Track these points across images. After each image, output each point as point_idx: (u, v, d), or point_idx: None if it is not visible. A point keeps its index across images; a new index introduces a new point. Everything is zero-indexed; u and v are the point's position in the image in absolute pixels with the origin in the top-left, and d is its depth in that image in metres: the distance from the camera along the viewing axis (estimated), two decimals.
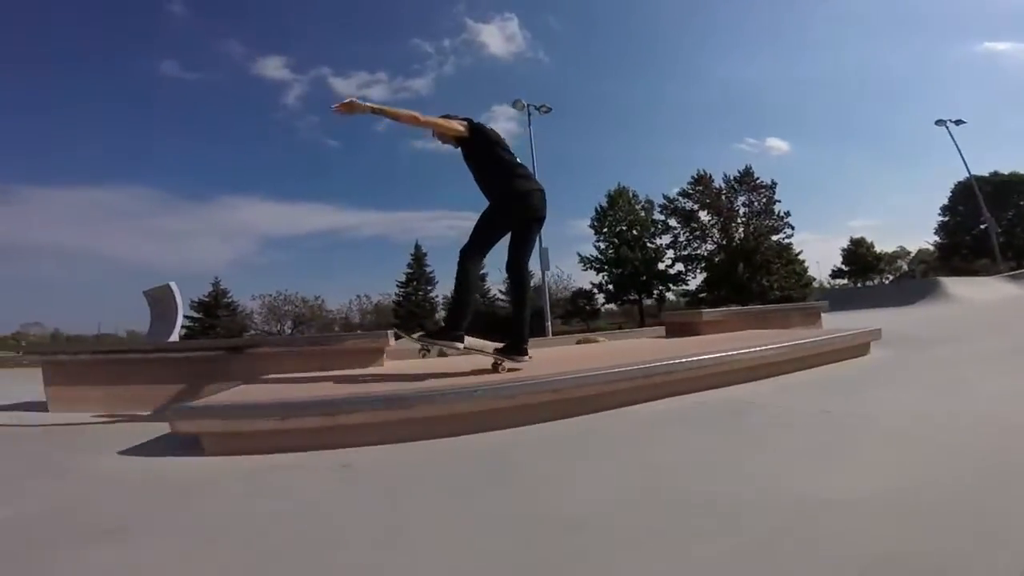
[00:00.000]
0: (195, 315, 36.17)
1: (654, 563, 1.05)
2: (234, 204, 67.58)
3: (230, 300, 39.78)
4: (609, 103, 63.77)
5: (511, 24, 64.88)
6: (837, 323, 5.54)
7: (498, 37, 65.93)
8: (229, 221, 61.54)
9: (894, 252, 47.82)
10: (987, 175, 37.69)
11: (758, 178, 37.85)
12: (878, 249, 45.85)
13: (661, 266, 38.57)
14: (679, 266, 38.89)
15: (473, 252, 2.95)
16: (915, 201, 66.76)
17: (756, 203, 37.68)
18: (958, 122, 27.08)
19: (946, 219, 43.12)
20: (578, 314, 38.85)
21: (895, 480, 1.41)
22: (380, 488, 1.66)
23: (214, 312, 37.91)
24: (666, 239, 39.11)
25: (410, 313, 37.12)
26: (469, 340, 3.01)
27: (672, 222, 38.99)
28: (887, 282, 39.99)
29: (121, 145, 55.48)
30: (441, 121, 2.99)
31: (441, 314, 35.81)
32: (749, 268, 35.82)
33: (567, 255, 49.16)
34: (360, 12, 64.96)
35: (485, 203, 3.05)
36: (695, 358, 2.82)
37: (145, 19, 56.64)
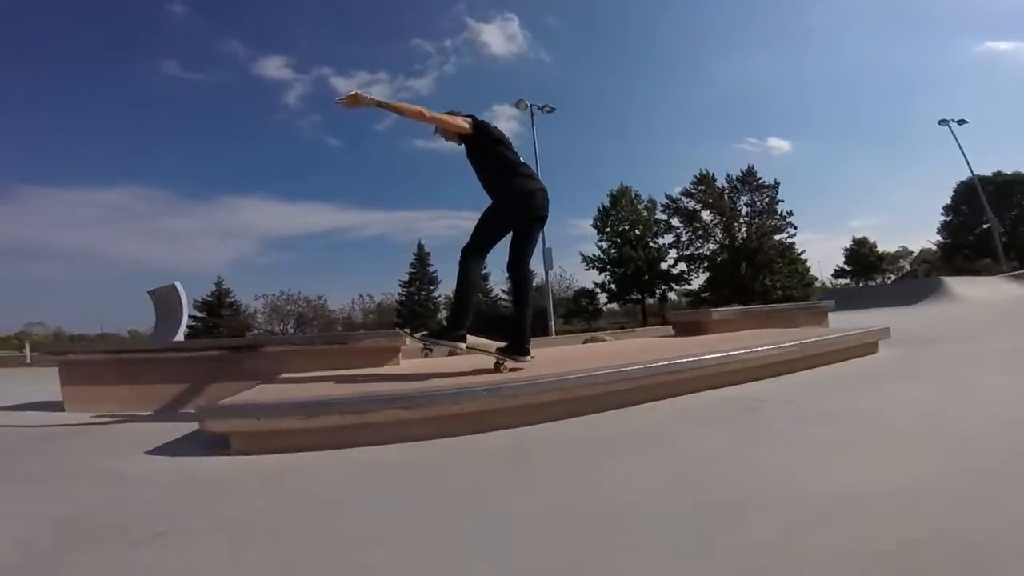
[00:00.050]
0: (198, 315, 36.28)
1: (683, 553, 1.09)
2: (236, 204, 67.92)
3: (233, 300, 39.95)
4: (610, 103, 64.06)
5: (512, 24, 65.13)
6: (841, 322, 5.57)
7: (499, 37, 66.17)
8: (231, 221, 61.89)
9: (896, 252, 47.79)
10: (990, 175, 37.62)
11: (760, 178, 37.90)
12: (880, 249, 45.86)
13: (664, 266, 38.66)
14: (682, 266, 39.04)
15: (474, 251, 2.93)
16: (917, 201, 66.83)
17: (759, 203, 37.71)
18: (961, 122, 27.03)
19: (949, 219, 43.09)
20: (580, 314, 38.90)
21: (917, 471, 1.45)
22: (416, 485, 1.67)
23: (217, 312, 38.05)
24: (668, 239, 39.27)
25: (413, 312, 37.20)
26: (471, 340, 2.96)
27: (675, 222, 39.12)
28: (889, 282, 39.94)
29: (123, 145, 55.98)
30: (446, 117, 2.97)
31: (444, 314, 35.86)
32: (752, 268, 35.86)
33: (568, 254, 49.15)
34: (361, 12, 65.36)
35: (486, 203, 3.03)
36: (711, 355, 2.84)
37: (145, 19, 57.10)
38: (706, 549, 1.09)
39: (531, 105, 22.85)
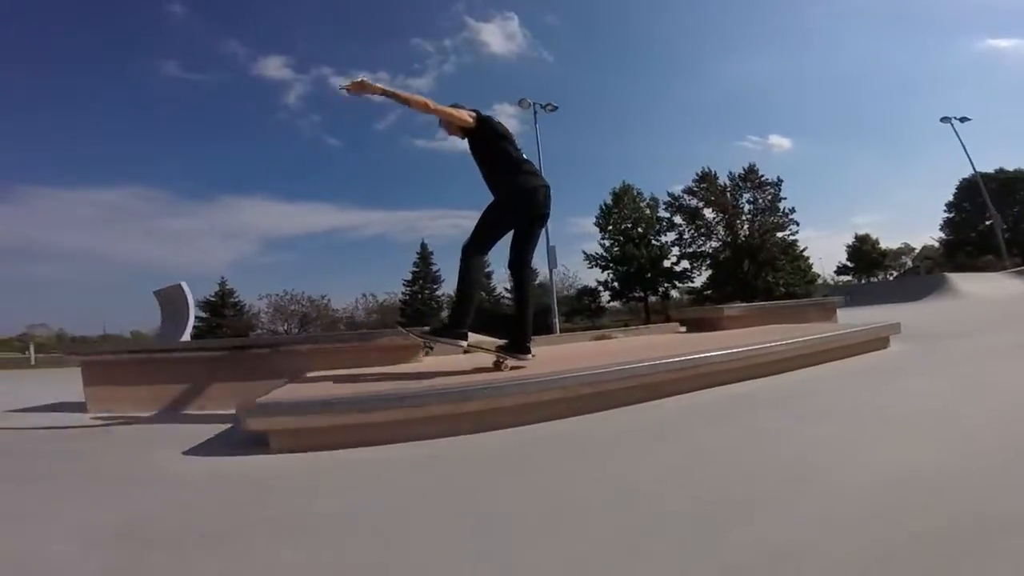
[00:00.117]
0: (202, 315, 36.35)
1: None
2: (236, 204, 67.93)
3: (236, 300, 40.03)
4: (610, 101, 63.89)
5: (511, 23, 65.12)
6: (847, 319, 5.63)
7: (498, 36, 66.26)
8: (231, 221, 61.87)
9: (899, 248, 47.84)
10: (992, 172, 37.64)
11: (763, 175, 37.92)
12: (883, 246, 45.90)
13: (667, 263, 38.66)
14: (684, 263, 39.06)
15: (476, 248, 2.90)
16: (919, 198, 66.80)
17: (761, 200, 37.74)
18: (963, 119, 27.08)
19: (951, 215, 43.11)
20: (583, 312, 38.97)
21: (950, 455, 1.53)
22: (471, 477, 1.70)
23: (221, 312, 38.14)
24: (671, 236, 39.28)
25: (416, 311, 37.29)
26: (472, 337, 2.95)
27: (677, 219, 39.16)
28: (891, 278, 39.98)
29: (123, 145, 55.87)
30: (450, 110, 2.94)
31: (447, 312, 35.90)
32: (754, 265, 35.91)
33: (569, 253, 49.20)
34: (360, 12, 65.32)
35: (487, 202, 3.00)
36: (722, 352, 2.88)
37: (145, 19, 56.95)
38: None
39: (534, 104, 22.88)
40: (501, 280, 35.08)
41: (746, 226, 37.73)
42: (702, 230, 38.58)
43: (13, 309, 52.76)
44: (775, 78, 66.12)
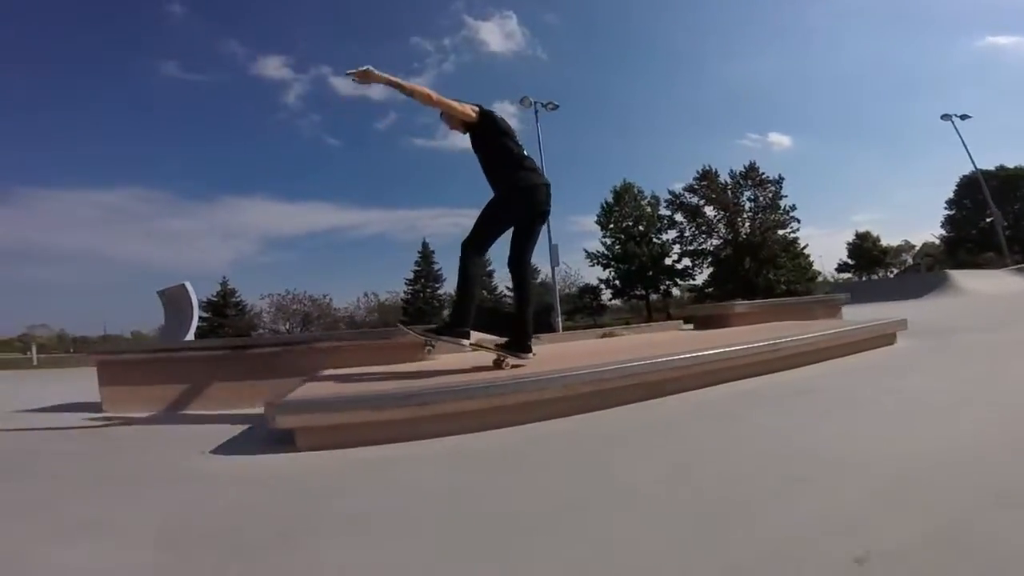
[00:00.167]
0: (204, 314, 36.38)
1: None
2: (236, 204, 68.25)
3: (238, 299, 40.07)
4: (610, 99, 64.16)
5: (510, 21, 65.31)
6: (850, 316, 5.71)
7: (497, 34, 66.51)
8: (231, 221, 62.08)
9: (899, 246, 47.91)
10: (993, 169, 37.67)
11: (764, 173, 37.97)
12: (884, 243, 45.97)
13: (668, 261, 38.72)
14: (686, 261, 39.11)
15: (475, 246, 2.87)
16: (919, 195, 67.10)
17: (762, 198, 37.79)
18: (964, 117, 27.08)
19: (952, 213, 43.17)
20: (584, 310, 39.03)
21: (973, 440, 1.60)
22: (505, 471, 1.72)
23: (223, 311, 38.16)
24: (672, 234, 39.34)
25: (418, 310, 37.34)
26: (474, 336, 2.90)
27: (678, 217, 39.20)
28: (891, 276, 40.04)
29: (123, 146, 56.17)
30: (453, 103, 2.92)
31: (448, 311, 35.90)
32: (755, 263, 35.96)
33: (569, 251, 49.13)
34: (359, 11, 65.45)
35: (487, 200, 2.98)
36: (741, 347, 2.94)
37: (145, 20, 57.12)
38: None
39: (535, 102, 22.83)
40: (503, 279, 35.00)
41: (747, 224, 37.79)
42: (703, 228, 38.65)
43: (14, 310, 53.19)
44: (776, 76, 66.40)
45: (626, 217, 38.60)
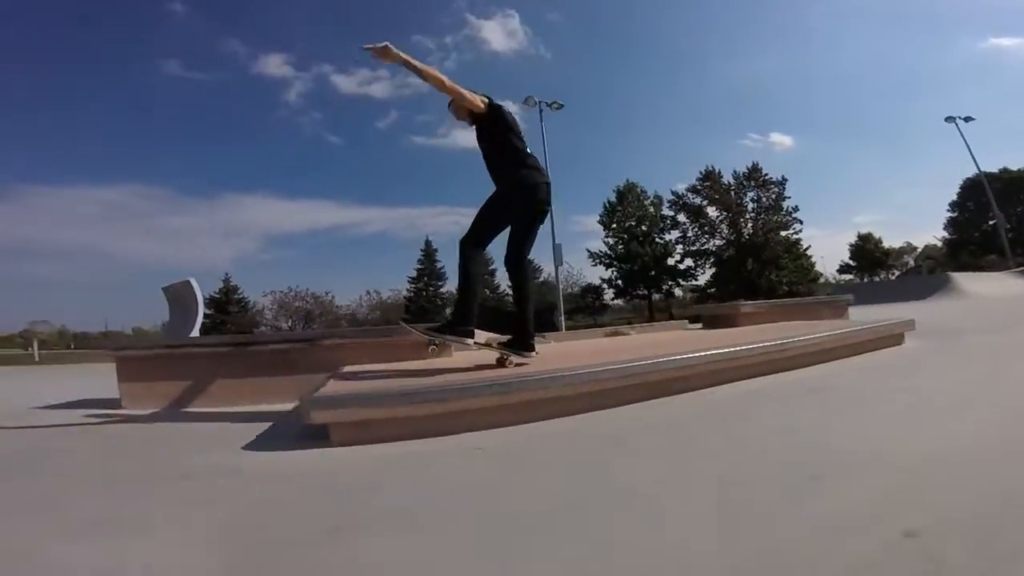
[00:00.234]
0: (206, 311, 36.41)
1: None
2: (237, 202, 68.35)
3: (241, 296, 40.19)
4: (613, 99, 64.16)
5: (512, 20, 65.08)
6: (854, 317, 5.74)
7: (499, 33, 66.10)
8: (232, 219, 62.24)
9: (901, 248, 47.91)
10: (996, 171, 37.67)
11: (767, 174, 38.01)
12: (885, 245, 45.98)
13: (670, 261, 38.80)
14: (688, 261, 39.20)
15: (475, 243, 2.85)
16: (921, 197, 67.04)
17: (764, 199, 37.84)
18: (967, 119, 27.09)
19: (955, 215, 43.15)
20: (585, 309, 39.10)
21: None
22: (531, 468, 1.73)
23: (225, 308, 38.29)
24: (675, 234, 39.43)
25: (421, 308, 37.44)
26: (479, 335, 2.87)
27: (681, 217, 39.25)
28: (893, 278, 40.06)
29: (123, 144, 56.29)
30: (464, 92, 2.90)
31: (451, 309, 35.92)
32: (758, 263, 36.01)
33: (570, 251, 49.24)
34: (360, 9, 65.43)
35: (487, 197, 2.97)
36: (752, 346, 2.97)
37: (146, 19, 57.45)
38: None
39: (539, 102, 22.75)
40: (505, 277, 35.10)
41: (750, 224, 37.84)
42: (706, 228, 38.73)
43: (14, 306, 53.11)
44: (777, 76, 66.34)
45: (629, 217, 38.66)
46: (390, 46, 2.79)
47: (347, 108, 60.66)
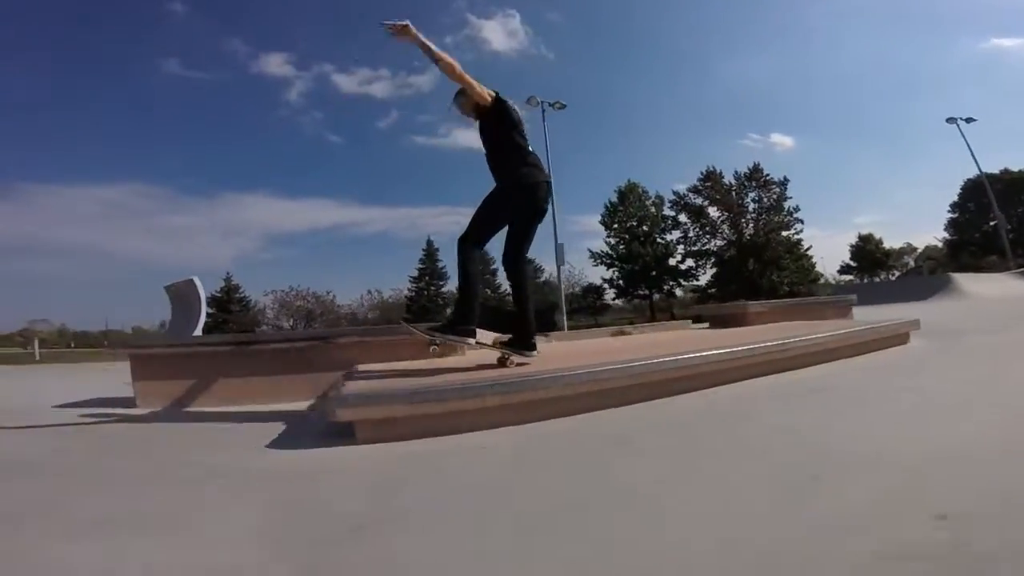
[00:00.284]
0: (208, 310, 36.47)
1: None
2: (237, 201, 68.35)
3: (242, 295, 40.25)
4: (614, 99, 64.22)
5: (513, 20, 65.06)
6: (860, 317, 5.77)
7: (500, 33, 66.33)
8: (232, 218, 62.33)
9: (901, 248, 47.92)
10: (997, 172, 37.68)
11: (767, 174, 38.04)
12: (886, 245, 46.00)
13: (671, 261, 38.84)
14: (689, 262, 39.24)
15: (473, 241, 2.84)
16: (921, 198, 67.02)
17: (766, 199, 37.87)
18: (969, 120, 27.10)
19: (955, 216, 43.16)
20: (586, 309, 39.14)
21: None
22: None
23: (227, 307, 38.35)
24: (676, 235, 39.47)
25: (422, 308, 37.48)
26: (480, 334, 2.85)
27: (682, 218, 39.31)
28: (893, 278, 40.07)
29: (124, 143, 56.48)
30: (474, 82, 2.90)
31: (451, 309, 35.96)
32: (759, 264, 36.04)
33: (573, 251, 49.08)
34: (361, 8, 65.13)
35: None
36: (768, 343, 3.01)
37: (146, 18, 57.73)
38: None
39: (542, 102, 22.70)
40: (506, 277, 35.17)
41: (751, 225, 37.87)
42: (707, 229, 38.78)
43: (14, 305, 53.19)
44: (777, 76, 66.44)
45: (630, 217, 38.70)
46: (410, 25, 2.79)
47: (348, 107, 60.91)
